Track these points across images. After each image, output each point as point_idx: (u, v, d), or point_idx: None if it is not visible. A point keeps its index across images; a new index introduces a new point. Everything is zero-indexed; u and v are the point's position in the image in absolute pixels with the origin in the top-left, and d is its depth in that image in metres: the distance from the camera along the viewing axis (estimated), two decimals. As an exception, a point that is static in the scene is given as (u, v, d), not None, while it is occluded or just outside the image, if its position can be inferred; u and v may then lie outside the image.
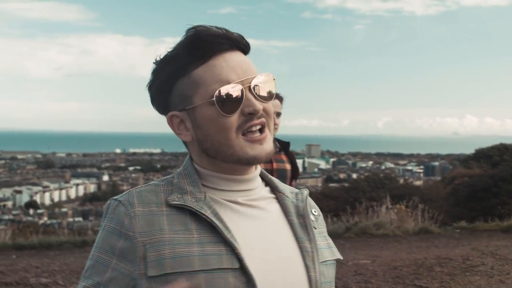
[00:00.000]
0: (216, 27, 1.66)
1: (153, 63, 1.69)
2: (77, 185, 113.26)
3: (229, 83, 1.59)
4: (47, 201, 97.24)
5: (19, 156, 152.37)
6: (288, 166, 4.93)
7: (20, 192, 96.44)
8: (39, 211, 77.48)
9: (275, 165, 4.80)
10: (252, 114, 1.60)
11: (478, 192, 27.24)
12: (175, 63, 1.64)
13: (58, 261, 10.15)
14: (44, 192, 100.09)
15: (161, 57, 1.68)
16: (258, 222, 1.68)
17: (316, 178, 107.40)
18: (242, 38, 1.69)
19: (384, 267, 9.22)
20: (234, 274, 1.52)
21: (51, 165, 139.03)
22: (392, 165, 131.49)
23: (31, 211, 76.89)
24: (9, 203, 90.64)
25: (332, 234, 12.40)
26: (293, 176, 5.04)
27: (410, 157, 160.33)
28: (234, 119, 1.59)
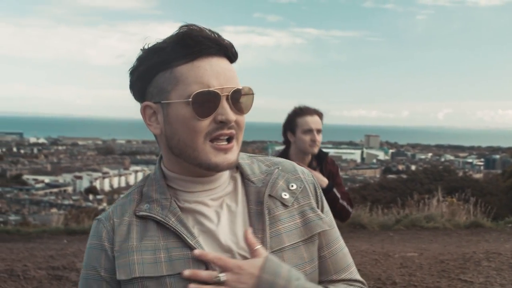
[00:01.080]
0: (210, 30, 1.67)
1: (141, 49, 1.69)
2: (136, 171, 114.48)
3: (209, 87, 1.59)
4: (107, 187, 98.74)
5: (80, 142, 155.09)
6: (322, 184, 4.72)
7: (80, 177, 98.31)
8: (99, 197, 78.75)
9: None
10: (223, 123, 1.61)
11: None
12: (161, 55, 1.64)
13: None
14: (103, 178, 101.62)
15: (150, 46, 1.68)
16: (224, 220, 1.71)
17: (374, 169, 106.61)
18: (232, 46, 1.69)
19: (430, 260, 9.09)
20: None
21: (111, 152, 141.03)
22: (452, 157, 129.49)
23: (90, 197, 78.25)
24: (70, 189, 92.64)
25: (382, 226, 12.40)
26: (335, 180, 4.76)
27: (470, 149, 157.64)
28: (205, 124, 1.61)
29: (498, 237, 11.58)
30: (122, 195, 1.81)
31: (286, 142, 4.81)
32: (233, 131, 1.63)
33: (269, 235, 1.68)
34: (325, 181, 4.56)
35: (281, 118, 4.87)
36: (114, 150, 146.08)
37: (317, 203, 1.85)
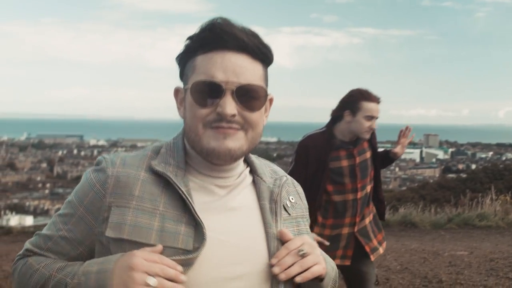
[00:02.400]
0: (242, 27, 1.69)
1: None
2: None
3: (213, 78, 1.62)
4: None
5: (139, 144, 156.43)
6: (368, 154, 4.85)
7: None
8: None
9: (357, 159, 4.74)
10: (221, 116, 1.62)
11: None
12: (189, 43, 1.71)
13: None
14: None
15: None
16: (230, 210, 1.73)
17: (433, 169, 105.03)
18: (259, 46, 1.70)
19: (480, 259, 8.98)
20: (185, 255, 1.59)
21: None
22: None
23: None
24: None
25: (434, 225, 12.28)
26: (374, 161, 4.91)
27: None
28: (204, 112, 1.64)
29: (553, 236, 11.37)
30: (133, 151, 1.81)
31: (336, 118, 4.75)
32: (234, 125, 1.64)
33: None
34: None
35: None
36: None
37: (306, 218, 1.94)
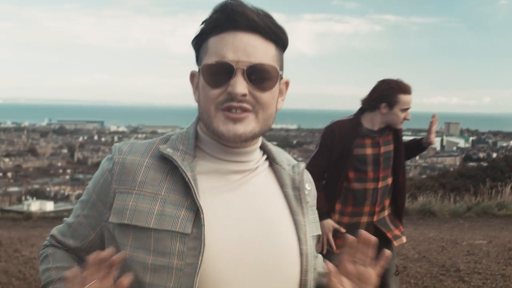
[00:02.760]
0: (254, 8, 1.67)
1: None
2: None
3: (224, 59, 1.61)
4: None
5: (159, 130, 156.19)
6: (392, 147, 4.87)
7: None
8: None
9: (382, 148, 4.77)
10: (231, 95, 1.61)
11: None
12: (203, 26, 1.70)
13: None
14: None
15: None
16: (248, 194, 1.72)
17: (454, 157, 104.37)
18: (270, 27, 1.67)
19: (498, 248, 8.96)
20: (183, 238, 1.57)
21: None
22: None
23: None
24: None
25: (453, 214, 12.25)
26: (396, 154, 4.91)
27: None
28: (216, 93, 1.63)
29: None
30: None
31: (369, 108, 4.79)
32: (244, 104, 1.62)
33: (308, 221, 1.77)
34: None
35: (358, 106, 4.85)
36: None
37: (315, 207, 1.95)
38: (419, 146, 5.24)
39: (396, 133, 4.88)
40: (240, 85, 1.60)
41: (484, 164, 49.65)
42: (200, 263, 1.55)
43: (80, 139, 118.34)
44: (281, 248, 1.68)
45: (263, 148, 1.86)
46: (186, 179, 1.62)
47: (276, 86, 1.70)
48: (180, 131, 1.81)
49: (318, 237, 1.93)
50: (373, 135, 4.75)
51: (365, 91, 4.84)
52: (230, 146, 1.72)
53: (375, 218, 4.81)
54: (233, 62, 1.61)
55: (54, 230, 1.87)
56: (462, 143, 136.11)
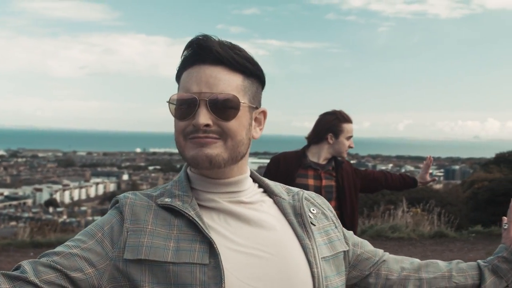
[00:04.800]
0: (221, 41, 1.74)
1: None
2: (97, 184, 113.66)
3: (188, 91, 1.69)
4: (67, 200, 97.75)
5: (40, 154, 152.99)
6: (333, 183, 4.96)
7: (40, 190, 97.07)
8: (59, 209, 77.97)
9: (324, 182, 4.88)
10: (195, 126, 1.66)
11: (498, 196, 26.79)
12: (180, 62, 1.77)
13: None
14: (64, 190, 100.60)
15: None
16: (254, 223, 1.75)
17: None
18: (237, 58, 1.72)
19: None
20: (202, 269, 1.59)
21: (71, 164, 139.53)
22: (412, 168, 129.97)
23: (50, 209, 77.32)
24: (29, 201, 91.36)
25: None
26: (339, 189, 4.95)
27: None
28: (183, 124, 1.71)
29: (462, 247, 11.78)
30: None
31: (315, 141, 4.97)
32: (210, 135, 1.68)
33: (316, 243, 1.78)
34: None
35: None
36: (75, 162, 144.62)
37: (335, 224, 1.97)
38: (411, 183, 5.42)
39: (339, 171, 4.99)
40: (203, 116, 1.66)
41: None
42: None
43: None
44: (292, 272, 1.70)
45: (259, 182, 1.92)
46: (191, 218, 1.67)
47: (242, 114, 1.73)
48: (173, 180, 1.88)
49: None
50: (316, 167, 4.88)
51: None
52: (206, 175, 1.78)
53: None
54: (196, 94, 1.67)
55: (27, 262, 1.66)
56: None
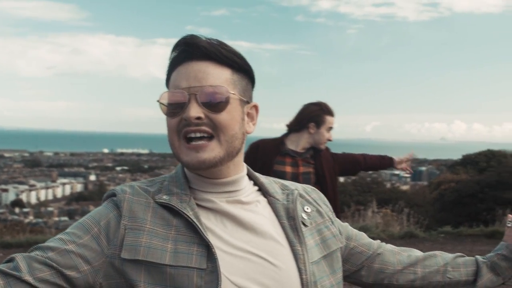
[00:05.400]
0: (207, 38, 1.74)
1: None
2: (64, 184, 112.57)
3: (177, 88, 1.69)
4: (33, 200, 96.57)
5: (6, 155, 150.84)
6: (311, 170, 5.07)
7: (6, 190, 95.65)
8: (25, 210, 76.95)
9: (301, 168, 4.98)
10: (186, 120, 1.67)
11: (464, 197, 27.11)
12: (168, 64, 1.77)
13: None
14: (30, 191, 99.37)
15: None
16: (249, 226, 1.74)
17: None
18: (223, 53, 1.73)
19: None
20: (200, 273, 1.59)
21: (38, 164, 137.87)
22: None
23: (16, 210, 76.29)
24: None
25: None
26: (318, 176, 5.07)
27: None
28: (174, 121, 1.70)
29: (431, 247, 11.81)
30: (137, 182, 1.84)
31: (296, 129, 5.05)
32: (202, 127, 1.67)
33: (307, 248, 1.77)
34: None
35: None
36: (41, 162, 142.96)
37: (331, 220, 1.97)
38: (389, 162, 5.65)
39: (318, 158, 5.09)
40: (194, 109, 1.66)
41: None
42: None
43: None
44: (284, 279, 1.69)
45: (254, 180, 1.92)
46: (189, 219, 1.66)
47: (233, 107, 1.73)
48: (169, 174, 1.86)
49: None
50: (293, 154, 4.96)
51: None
52: (209, 177, 1.77)
53: None
54: (185, 89, 1.67)
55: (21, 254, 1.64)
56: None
